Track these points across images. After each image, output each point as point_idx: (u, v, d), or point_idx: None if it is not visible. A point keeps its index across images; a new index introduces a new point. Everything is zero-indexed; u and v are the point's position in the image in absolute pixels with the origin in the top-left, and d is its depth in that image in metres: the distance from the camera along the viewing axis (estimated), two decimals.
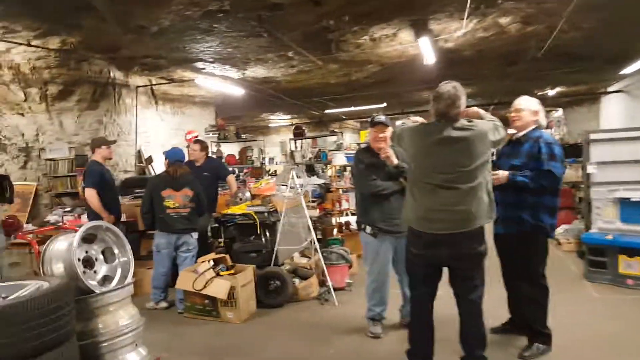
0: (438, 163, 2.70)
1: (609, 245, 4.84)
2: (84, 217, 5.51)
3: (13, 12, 6.19)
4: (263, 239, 4.77)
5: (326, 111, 15.46)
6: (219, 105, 12.92)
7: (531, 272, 3.24)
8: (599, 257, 4.90)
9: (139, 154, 9.69)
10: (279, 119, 19.13)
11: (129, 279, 2.78)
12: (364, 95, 12.66)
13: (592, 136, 5.35)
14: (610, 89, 12.67)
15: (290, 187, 4.68)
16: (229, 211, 4.89)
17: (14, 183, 8.66)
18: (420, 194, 2.78)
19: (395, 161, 3.49)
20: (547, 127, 3.50)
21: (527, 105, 3.31)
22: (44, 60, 7.92)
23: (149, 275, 4.96)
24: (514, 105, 3.37)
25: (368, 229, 3.63)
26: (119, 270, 2.80)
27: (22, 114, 8.47)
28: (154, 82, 10.03)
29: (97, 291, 2.52)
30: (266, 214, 4.75)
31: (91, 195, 4.79)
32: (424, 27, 6.87)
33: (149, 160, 9.57)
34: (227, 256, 4.65)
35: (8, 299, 2.04)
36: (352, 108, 14.49)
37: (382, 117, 3.60)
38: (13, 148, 8.63)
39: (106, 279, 2.74)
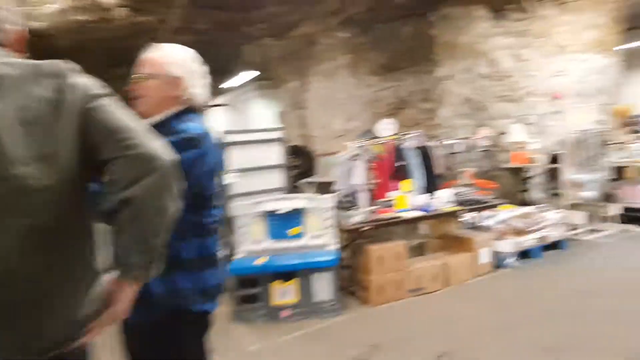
0: None
1: (260, 273, 3.82)
2: None
3: None
4: None
5: None
6: None
7: None
8: (250, 288, 3.81)
9: None
10: None
11: None
12: None
13: (231, 138, 4.36)
14: (215, 102, 13.34)
15: None
16: None
17: None
18: None
19: None
20: None
21: (154, 67, 1.61)
22: None
23: None
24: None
25: None
26: None
27: None
28: None
29: None
30: None
31: None
32: None
33: None
34: None
35: None
36: None
37: None
38: None
39: None
